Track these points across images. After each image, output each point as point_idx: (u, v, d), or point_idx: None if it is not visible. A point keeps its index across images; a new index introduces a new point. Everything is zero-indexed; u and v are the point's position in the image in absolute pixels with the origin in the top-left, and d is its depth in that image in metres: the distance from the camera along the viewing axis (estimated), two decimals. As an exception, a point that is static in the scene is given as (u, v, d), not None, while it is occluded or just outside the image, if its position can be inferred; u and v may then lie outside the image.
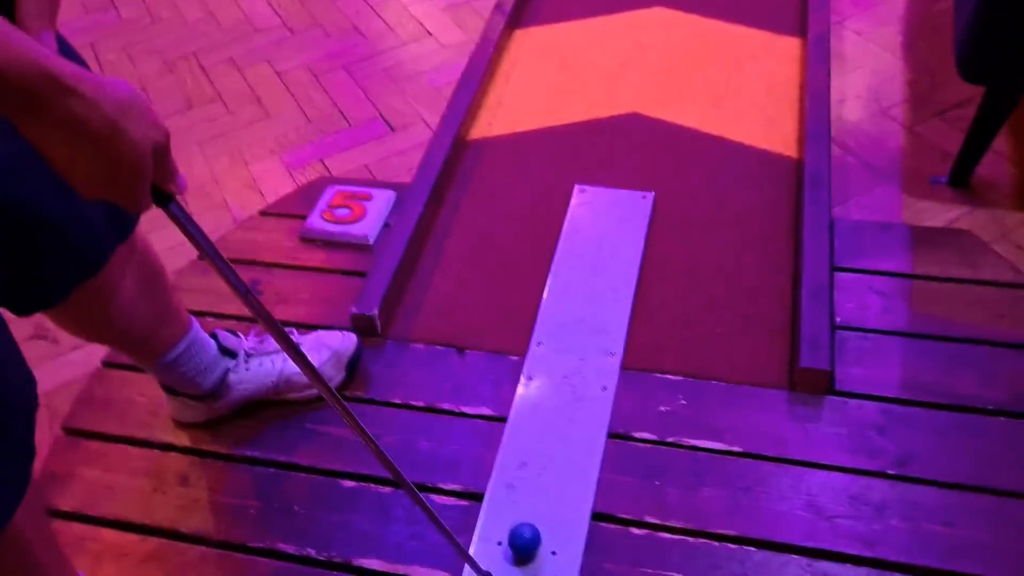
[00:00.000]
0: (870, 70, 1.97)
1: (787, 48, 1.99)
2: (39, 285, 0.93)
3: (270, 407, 1.37)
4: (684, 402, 1.33)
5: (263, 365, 1.32)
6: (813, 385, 1.32)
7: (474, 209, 1.69)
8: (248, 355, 1.30)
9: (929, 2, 2.15)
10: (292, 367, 1.33)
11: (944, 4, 2.12)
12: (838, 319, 1.42)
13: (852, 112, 1.87)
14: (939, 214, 1.62)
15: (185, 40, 2.29)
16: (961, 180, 1.65)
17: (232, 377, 1.29)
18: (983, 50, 1.44)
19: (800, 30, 2.03)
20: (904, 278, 1.47)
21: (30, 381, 0.82)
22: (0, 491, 0.77)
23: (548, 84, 1.97)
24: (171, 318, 1.18)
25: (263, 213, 1.74)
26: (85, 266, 0.97)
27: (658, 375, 1.37)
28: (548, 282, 1.52)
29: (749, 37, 2.03)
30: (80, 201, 0.84)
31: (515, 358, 1.42)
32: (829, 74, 1.84)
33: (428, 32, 2.23)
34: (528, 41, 2.10)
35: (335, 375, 1.37)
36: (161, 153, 0.64)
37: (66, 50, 0.86)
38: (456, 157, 1.78)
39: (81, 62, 0.88)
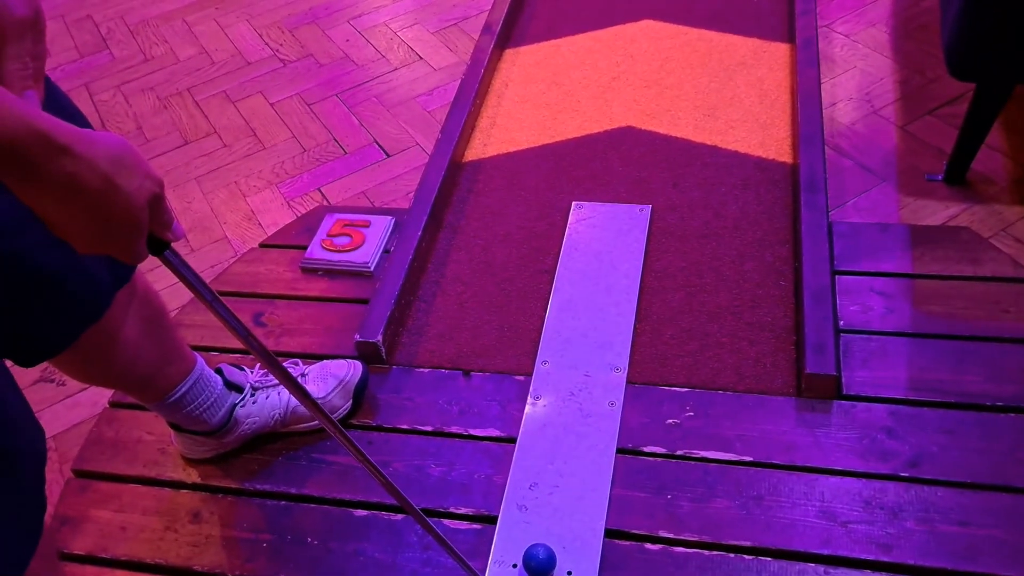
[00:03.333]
0: (860, 71, 1.98)
1: (776, 54, 2.00)
2: (42, 336, 0.93)
3: (278, 439, 1.37)
4: (692, 414, 1.33)
5: (270, 398, 1.32)
6: (820, 390, 1.31)
7: (473, 231, 1.69)
8: (254, 389, 1.31)
9: (915, 0, 2.16)
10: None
11: (930, 2, 2.13)
12: (842, 322, 1.42)
13: (844, 114, 1.87)
14: (937, 212, 1.63)
15: (178, 76, 2.30)
16: (957, 177, 1.66)
17: (239, 412, 1.29)
18: (971, 47, 1.44)
19: (788, 36, 2.04)
20: (906, 278, 1.47)
21: (39, 433, 0.82)
22: (13, 544, 0.77)
23: (540, 102, 1.97)
24: (175, 356, 1.18)
25: (263, 245, 1.75)
26: (87, 314, 0.96)
27: (664, 388, 1.37)
28: (550, 300, 1.53)
29: (738, 45, 2.04)
30: (76, 253, 0.85)
31: (521, 378, 1.42)
32: (819, 78, 1.84)
33: (419, 56, 2.25)
34: (518, 60, 2.11)
35: (342, 404, 1.37)
36: (156, 203, 0.64)
37: (57, 99, 0.87)
38: (452, 180, 1.79)
39: (75, 109, 0.89)
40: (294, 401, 1.33)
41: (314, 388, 1.35)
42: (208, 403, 1.24)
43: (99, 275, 0.95)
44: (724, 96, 1.91)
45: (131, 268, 1.02)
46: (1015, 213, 1.60)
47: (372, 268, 1.63)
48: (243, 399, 1.29)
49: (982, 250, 1.49)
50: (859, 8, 2.16)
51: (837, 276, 1.48)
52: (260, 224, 1.85)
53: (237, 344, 1.53)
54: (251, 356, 1.51)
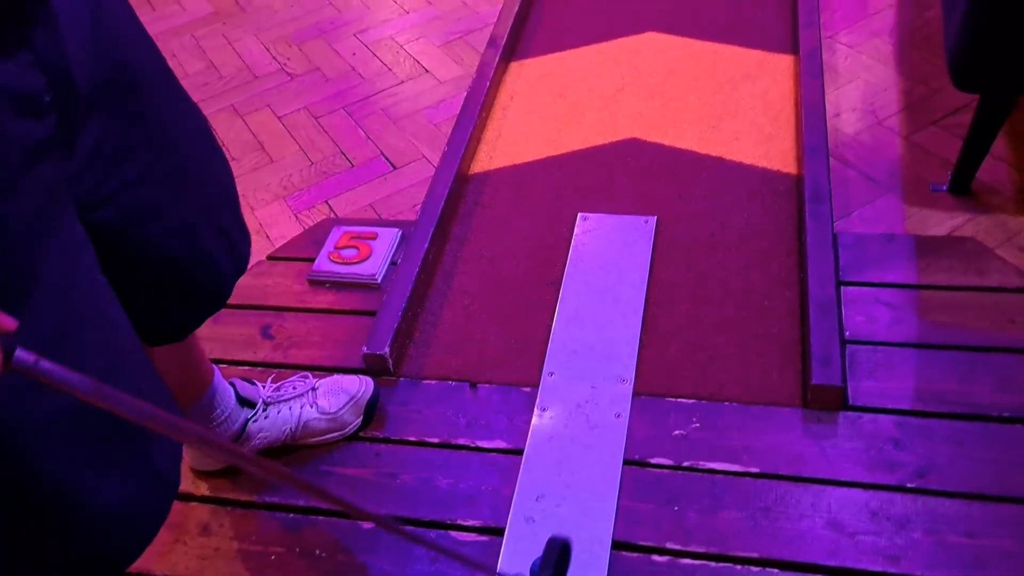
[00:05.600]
0: (864, 82, 1.99)
1: (780, 65, 2.01)
2: (169, 319, 0.99)
3: (288, 452, 1.38)
4: (698, 425, 1.33)
5: (281, 412, 1.33)
6: (827, 401, 1.32)
7: (479, 243, 1.70)
8: (266, 404, 1.32)
9: (918, 11, 2.16)
10: (310, 413, 1.34)
11: (933, 13, 2.13)
12: (848, 333, 1.42)
13: (849, 125, 1.88)
14: (942, 222, 1.63)
15: (187, 91, 2.32)
16: (962, 187, 1.66)
17: (252, 427, 1.30)
18: (974, 58, 1.45)
19: (792, 47, 2.05)
20: (911, 289, 1.48)
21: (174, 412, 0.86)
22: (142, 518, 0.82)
23: (546, 114, 1.99)
24: (198, 369, 1.20)
25: (271, 258, 1.76)
26: (211, 301, 1.03)
27: (671, 399, 1.38)
28: (556, 311, 1.53)
29: (742, 57, 2.05)
30: (204, 243, 0.94)
31: (528, 389, 1.43)
32: (823, 88, 1.85)
33: (425, 69, 2.26)
34: (524, 73, 2.13)
35: (352, 420, 1.38)
36: None
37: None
38: (459, 192, 1.80)
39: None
40: (306, 415, 1.34)
41: (325, 402, 1.36)
42: (223, 417, 1.25)
43: (221, 264, 1.00)
44: (728, 108, 1.92)
45: (246, 260, 1.07)
46: (1020, 223, 1.60)
47: (379, 280, 1.64)
48: (255, 414, 1.30)
49: (988, 260, 1.50)
50: (862, 19, 2.17)
51: (843, 287, 1.49)
52: (268, 237, 1.86)
53: (247, 356, 1.55)
54: (260, 368, 1.52)
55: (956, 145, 1.66)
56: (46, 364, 0.62)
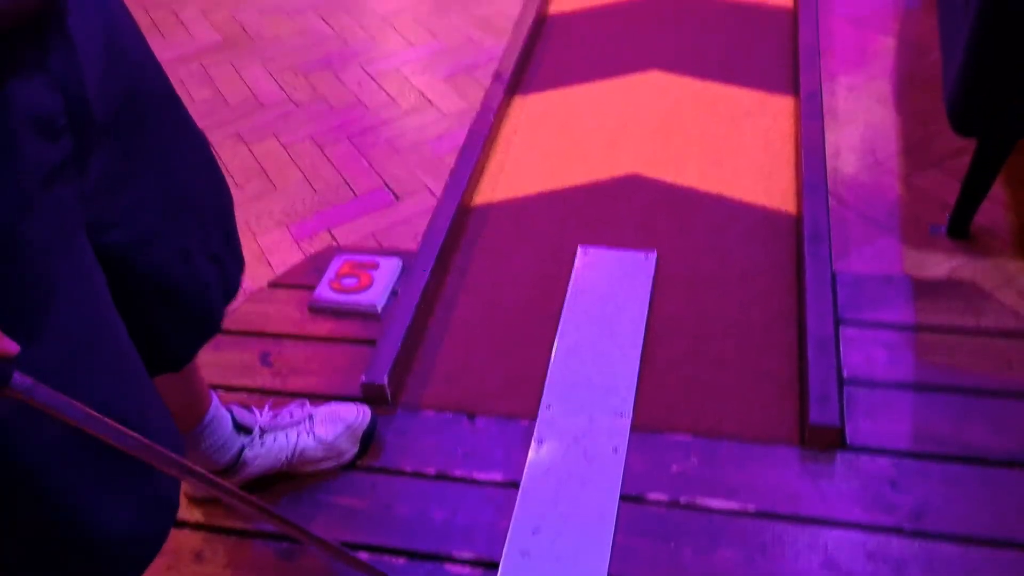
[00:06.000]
0: (863, 123, 2.01)
1: (781, 106, 2.04)
2: (166, 347, 0.99)
3: (283, 480, 1.37)
4: (696, 461, 1.33)
5: (278, 440, 1.32)
6: (824, 441, 1.32)
7: (480, 274, 1.71)
8: (263, 431, 1.31)
9: (917, 56, 2.20)
10: (306, 441, 1.34)
11: (932, 57, 2.17)
12: (846, 373, 1.42)
13: (848, 165, 1.90)
14: (940, 263, 1.64)
15: (194, 118, 2.34)
16: (960, 229, 1.67)
17: (248, 454, 1.29)
18: (973, 103, 1.47)
19: (793, 88, 2.07)
20: (909, 330, 1.48)
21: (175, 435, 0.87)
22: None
23: (548, 149, 2.01)
24: (198, 396, 1.20)
25: (272, 285, 1.76)
26: (205, 329, 1.04)
27: (669, 435, 1.37)
28: (555, 344, 1.54)
29: (743, 97, 2.08)
30: (198, 270, 0.95)
31: (525, 422, 1.42)
32: (823, 129, 1.87)
33: (429, 102, 2.29)
34: (527, 107, 2.15)
35: (349, 449, 1.37)
36: None
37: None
38: (461, 223, 1.81)
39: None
40: (302, 443, 1.34)
41: (322, 431, 1.35)
42: (219, 444, 1.25)
43: (212, 290, 1.00)
44: (729, 146, 1.94)
45: (236, 288, 1.08)
46: (1018, 267, 1.61)
47: (380, 310, 1.64)
48: (251, 441, 1.30)
49: (985, 303, 1.50)
50: (863, 62, 2.20)
51: (841, 326, 1.49)
52: (269, 264, 1.87)
53: (245, 383, 1.55)
54: (257, 395, 1.52)
55: (955, 187, 1.68)
56: (42, 391, 0.63)
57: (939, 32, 1.75)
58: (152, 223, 0.89)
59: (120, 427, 0.73)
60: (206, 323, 1.04)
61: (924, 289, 1.55)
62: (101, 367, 0.78)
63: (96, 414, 0.71)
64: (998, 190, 1.75)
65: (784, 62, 2.17)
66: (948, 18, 1.64)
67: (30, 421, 0.71)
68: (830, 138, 1.96)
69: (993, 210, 1.72)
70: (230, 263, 1.05)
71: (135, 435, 0.75)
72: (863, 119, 2.02)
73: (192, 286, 0.97)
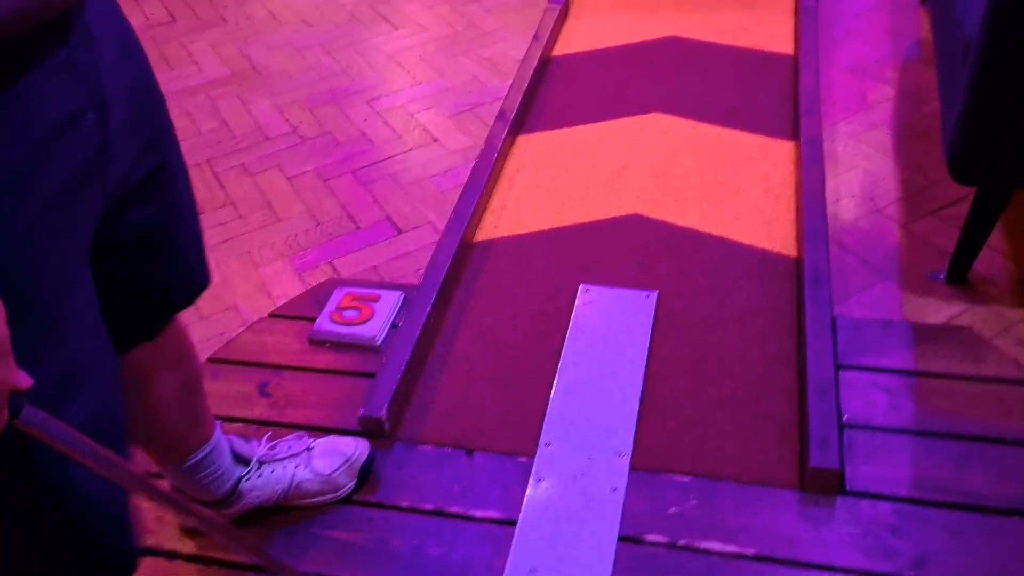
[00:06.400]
0: (863, 170, 2.03)
1: (781, 151, 2.06)
2: (144, 312, 0.99)
3: (278, 513, 1.36)
4: (695, 503, 1.32)
5: (275, 472, 1.31)
6: (824, 485, 1.31)
7: (481, 310, 1.71)
8: (260, 462, 1.30)
9: (916, 105, 2.23)
10: (303, 474, 1.33)
11: (930, 107, 2.20)
12: (845, 417, 1.42)
13: (848, 211, 1.91)
14: (940, 310, 1.65)
15: (199, 148, 2.36)
16: (959, 277, 1.68)
17: (244, 485, 1.28)
18: (973, 153, 1.49)
19: (793, 134, 2.10)
20: (909, 375, 1.48)
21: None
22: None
23: (550, 187, 2.02)
24: (202, 420, 1.20)
25: (272, 315, 1.76)
26: (189, 292, 1.03)
27: (668, 475, 1.37)
28: (555, 381, 1.53)
29: (745, 141, 2.10)
30: (197, 225, 0.99)
31: (524, 459, 1.42)
32: (823, 175, 1.89)
33: (434, 138, 2.31)
34: (530, 147, 2.17)
35: (346, 482, 1.36)
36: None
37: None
38: (463, 258, 1.82)
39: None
40: (299, 476, 1.33)
41: (320, 464, 1.35)
42: (218, 473, 1.24)
43: (201, 256, 1.04)
44: (730, 189, 1.96)
45: (201, 286, 1.06)
46: (1017, 315, 1.62)
47: (380, 342, 1.64)
48: (249, 472, 1.29)
49: (984, 350, 1.51)
50: (862, 110, 2.23)
51: (841, 370, 1.50)
52: (270, 295, 1.87)
53: (243, 413, 1.54)
54: (255, 426, 1.51)
55: (953, 235, 1.70)
56: (53, 426, 0.64)
57: (938, 83, 1.78)
58: (167, 180, 0.93)
59: (124, 464, 0.75)
60: (194, 284, 1.04)
61: (924, 335, 1.56)
62: (101, 374, 0.80)
63: (102, 450, 0.72)
64: (996, 239, 1.77)
65: (785, 108, 2.20)
66: (946, 70, 1.67)
67: (54, 410, 0.71)
68: (830, 184, 1.98)
69: (991, 258, 1.73)
70: (197, 271, 1.06)
71: (139, 474, 0.76)
72: (862, 166, 2.05)
73: (193, 241, 1.02)
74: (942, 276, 1.70)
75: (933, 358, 1.51)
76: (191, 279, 1.03)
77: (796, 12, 2.56)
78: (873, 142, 2.12)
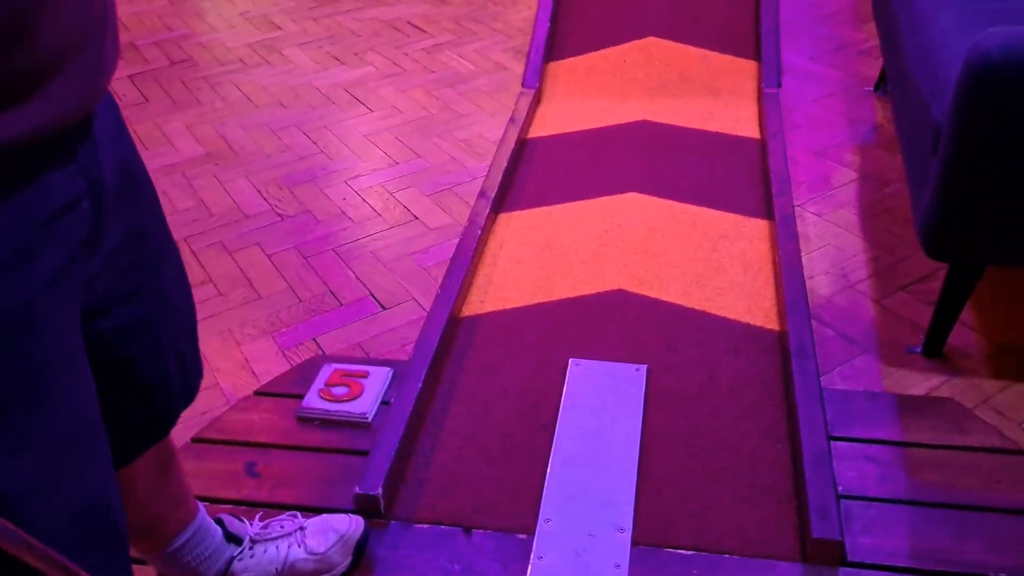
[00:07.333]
0: (834, 248, 2.11)
1: (756, 229, 2.13)
2: (122, 441, 0.93)
3: (271, 596, 1.30)
4: (700, 578, 1.31)
5: (268, 552, 1.27)
6: (827, 557, 1.31)
7: (472, 385, 1.70)
8: (253, 541, 1.26)
9: (878, 186, 2.33)
10: (297, 553, 1.29)
11: (893, 188, 2.30)
12: (840, 488, 1.43)
13: (823, 287, 1.97)
14: (920, 382, 1.69)
15: (176, 226, 2.34)
16: (935, 350, 1.74)
17: (236, 565, 1.24)
18: (946, 231, 1.56)
19: (766, 213, 2.18)
20: (898, 446, 1.51)
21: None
22: None
23: (534, 263, 2.05)
24: (181, 502, 1.16)
25: (258, 393, 1.73)
26: (158, 430, 1.02)
27: (670, 550, 1.36)
28: (551, 456, 1.52)
29: (720, 219, 2.17)
30: (167, 369, 0.94)
31: (523, 536, 1.39)
32: (799, 251, 1.96)
33: (414, 216, 2.33)
34: (512, 224, 2.21)
35: (341, 561, 1.32)
36: None
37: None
38: (451, 334, 1.82)
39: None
40: (293, 555, 1.28)
41: (314, 542, 1.31)
42: (207, 555, 1.19)
43: (176, 391, 0.99)
44: (710, 265, 2.01)
45: (196, 389, 1.06)
46: (993, 386, 1.67)
47: (370, 419, 1.62)
48: (241, 552, 1.24)
49: (968, 421, 1.55)
50: (827, 191, 2.33)
51: (832, 441, 1.52)
52: (253, 372, 1.84)
53: (230, 494, 1.49)
54: (244, 507, 1.46)
55: (924, 311, 1.76)
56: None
57: (904, 165, 1.87)
58: (144, 315, 0.91)
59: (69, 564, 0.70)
60: (163, 423, 1.03)
61: (908, 406, 1.60)
62: (92, 453, 0.78)
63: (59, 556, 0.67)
64: (965, 314, 1.83)
65: (756, 189, 2.28)
66: (913, 152, 1.76)
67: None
68: (803, 260, 2.04)
69: (963, 333, 1.80)
70: (191, 365, 1.05)
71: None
72: (832, 244, 2.12)
73: (161, 383, 0.97)
74: (919, 349, 1.76)
75: (919, 430, 1.54)
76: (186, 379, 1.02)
77: (759, 99, 2.69)
78: (840, 221, 2.20)
